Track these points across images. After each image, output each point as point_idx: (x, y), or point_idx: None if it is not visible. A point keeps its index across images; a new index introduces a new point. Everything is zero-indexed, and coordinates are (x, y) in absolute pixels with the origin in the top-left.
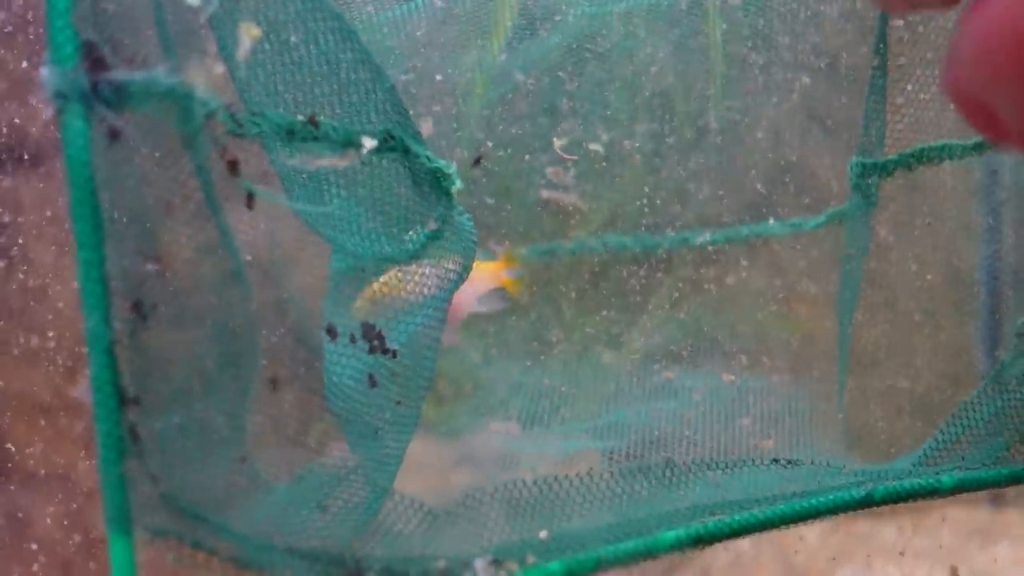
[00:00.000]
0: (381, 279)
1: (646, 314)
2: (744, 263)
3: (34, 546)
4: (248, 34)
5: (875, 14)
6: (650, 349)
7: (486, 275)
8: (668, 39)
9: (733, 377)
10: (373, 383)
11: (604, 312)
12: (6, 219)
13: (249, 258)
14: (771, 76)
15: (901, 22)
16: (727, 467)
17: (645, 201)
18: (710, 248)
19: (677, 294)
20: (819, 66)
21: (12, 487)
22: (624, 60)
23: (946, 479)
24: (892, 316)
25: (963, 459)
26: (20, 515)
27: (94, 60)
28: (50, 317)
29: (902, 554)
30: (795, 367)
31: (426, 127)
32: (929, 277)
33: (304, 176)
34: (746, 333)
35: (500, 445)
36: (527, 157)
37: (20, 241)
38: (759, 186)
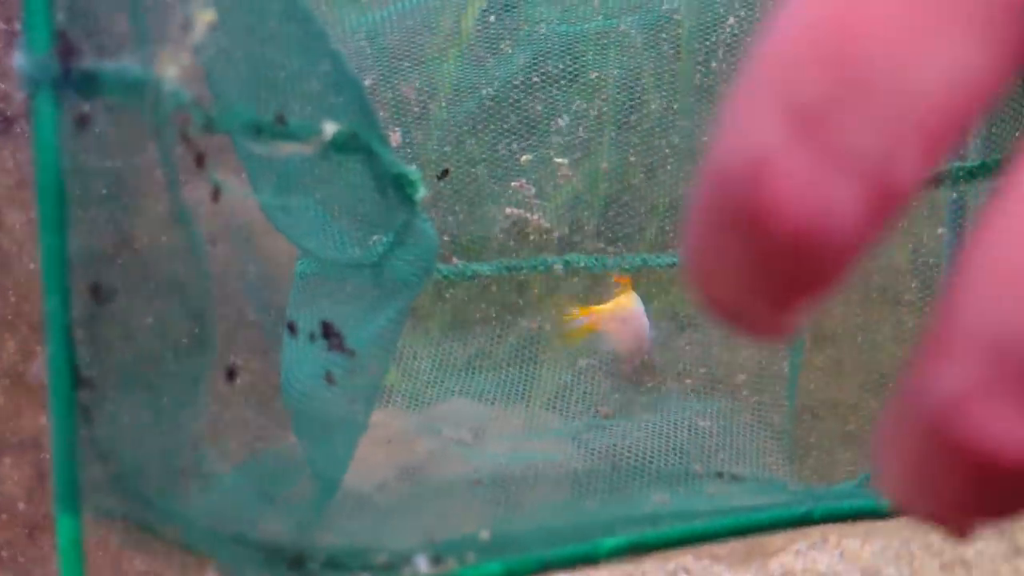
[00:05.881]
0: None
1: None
2: None
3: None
4: (201, 19)
5: None
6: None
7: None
8: (640, 57)
9: (691, 405)
10: (331, 380)
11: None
12: None
13: (209, 246)
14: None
15: None
16: (673, 479)
17: (607, 218)
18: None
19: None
20: None
21: None
22: (593, 77)
23: (885, 502)
24: (856, 294)
25: None
26: None
27: (66, 48)
28: (20, 281)
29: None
30: (747, 383)
31: (395, 138)
32: (894, 256)
33: (272, 176)
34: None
35: (465, 416)
36: (492, 171)
37: None
38: None
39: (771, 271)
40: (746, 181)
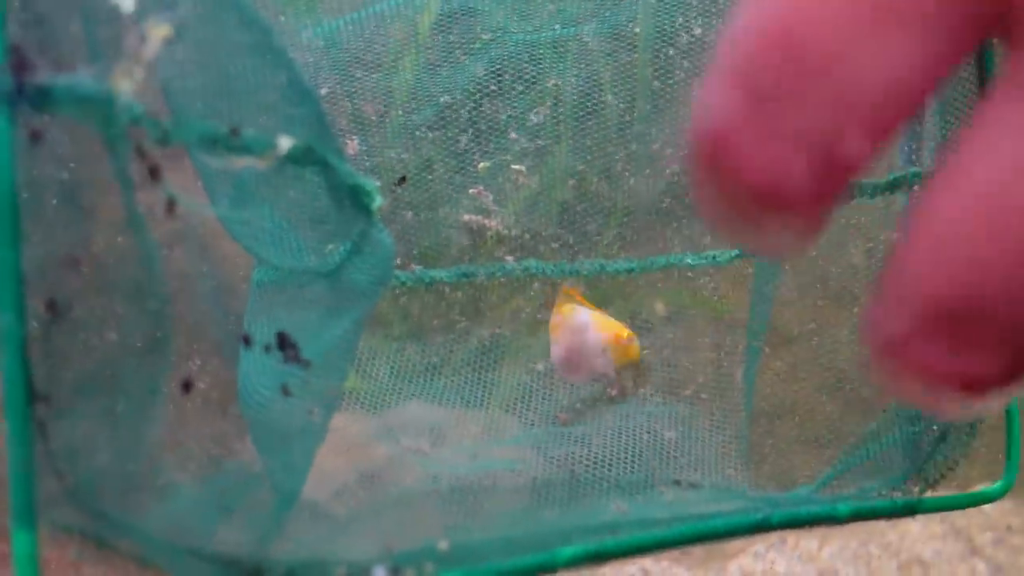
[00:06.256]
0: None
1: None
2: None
3: None
4: (156, 33)
5: None
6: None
7: (611, 330)
8: (598, 64)
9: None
10: (287, 392)
11: (513, 330)
12: None
13: (166, 250)
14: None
15: None
16: (631, 486)
17: (566, 224)
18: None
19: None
20: None
21: None
22: (551, 84)
23: (842, 507)
24: (811, 298)
25: (861, 488)
26: None
27: (20, 62)
28: None
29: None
30: (705, 387)
31: (352, 145)
32: (852, 252)
33: (228, 186)
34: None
35: (422, 421)
36: (450, 178)
37: None
38: (678, 210)
39: (744, 213)
40: (714, 148)
